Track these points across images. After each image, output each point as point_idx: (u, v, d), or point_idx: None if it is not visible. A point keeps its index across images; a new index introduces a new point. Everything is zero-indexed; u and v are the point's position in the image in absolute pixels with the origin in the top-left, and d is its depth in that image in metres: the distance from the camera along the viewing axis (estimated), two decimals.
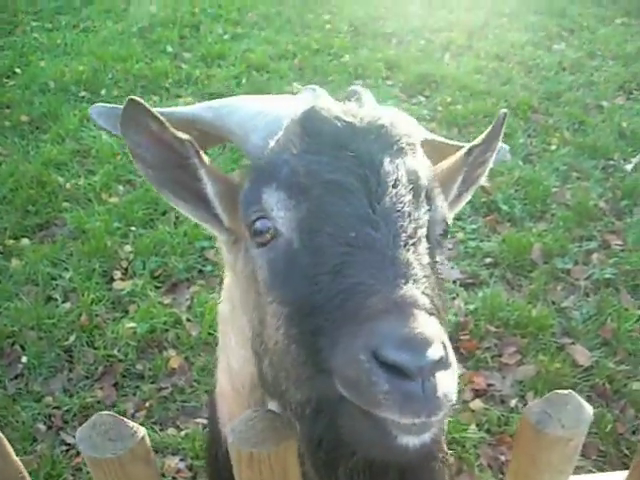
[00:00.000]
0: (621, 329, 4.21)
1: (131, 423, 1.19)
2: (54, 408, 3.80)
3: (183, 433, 3.62)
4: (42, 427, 3.70)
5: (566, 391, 1.25)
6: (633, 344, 4.15)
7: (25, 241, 4.99)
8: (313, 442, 1.15)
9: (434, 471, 1.24)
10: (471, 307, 4.39)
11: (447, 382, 0.95)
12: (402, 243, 1.09)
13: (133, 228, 5.07)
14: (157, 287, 4.56)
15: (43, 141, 6.20)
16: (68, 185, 5.57)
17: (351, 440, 1.06)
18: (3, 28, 8.68)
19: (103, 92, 7.01)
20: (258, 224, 1.23)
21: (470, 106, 6.90)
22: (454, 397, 0.97)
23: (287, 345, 1.15)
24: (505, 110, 1.56)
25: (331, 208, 1.13)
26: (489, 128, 1.59)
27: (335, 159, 1.17)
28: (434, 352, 0.92)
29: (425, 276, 1.08)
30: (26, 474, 1.35)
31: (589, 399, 3.82)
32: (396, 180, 1.17)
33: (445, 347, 0.96)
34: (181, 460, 3.51)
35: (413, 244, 1.11)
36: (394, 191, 1.15)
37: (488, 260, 4.85)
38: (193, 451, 3.50)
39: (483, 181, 1.68)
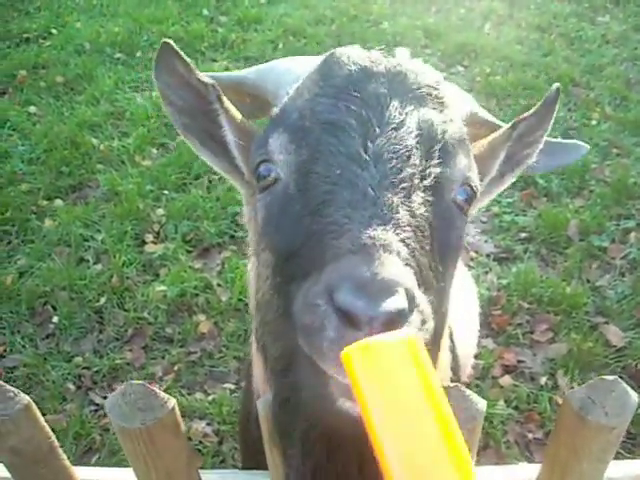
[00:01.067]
0: None
1: (161, 394, 1.17)
2: (84, 368, 3.84)
3: (210, 398, 3.63)
4: (72, 387, 3.74)
5: (612, 377, 1.20)
6: None
7: (58, 202, 5.02)
8: (276, 401, 1.08)
9: None
10: (504, 282, 4.32)
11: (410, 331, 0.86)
12: (390, 185, 1.01)
13: (166, 192, 5.06)
14: (188, 251, 4.56)
15: (78, 102, 6.20)
16: (102, 147, 5.57)
17: (302, 400, 0.99)
18: None
19: (138, 54, 6.97)
20: (261, 168, 1.20)
21: (509, 77, 6.74)
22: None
23: (271, 296, 1.10)
24: (558, 84, 1.47)
25: (325, 148, 1.08)
26: (539, 103, 1.50)
27: (339, 100, 1.13)
28: (393, 302, 0.81)
29: (411, 225, 0.98)
30: (55, 440, 1.34)
31: (620, 380, 3.76)
32: (400, 123, 1.10)
33: (411, 300, 0.85)
34: (208, 424, 3.52)
35: (405, 189, 1.02)
36: (394, 133, 1.08)
37: (523, 235, 4.77)
38: (220, 416, 3.51)
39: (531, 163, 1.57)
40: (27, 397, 1.23)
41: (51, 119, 5.91)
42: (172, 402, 1.18)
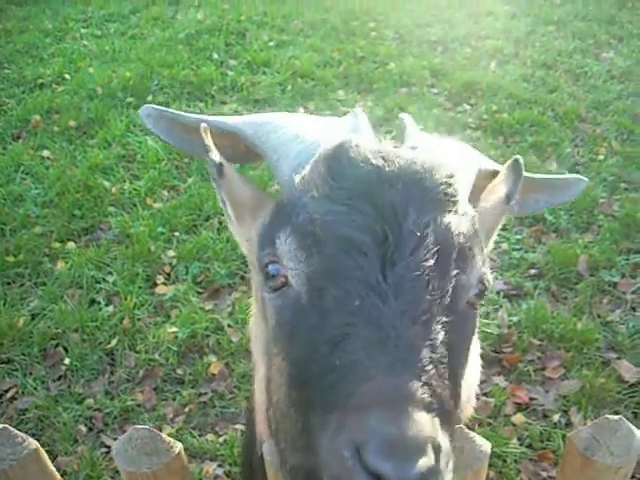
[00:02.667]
0: None
1: (167, 438, 1.19)
2: (95, 410, 3.84)
3: (222, 439, 3.62)
4: (83, 429, 3.74)
5: (616, 417, 1.20)
6: None
7: (71, 244, 5.07)
8: None
9: None
10: (514, 319, 4.31)
11: None
12: (411, 321, 0.96)
13: (177, 233, 5.11)
14: (199, 292, 4.59)
15: (90, 146, 6.30)
16: (113, 190, 5.65)
17: None
18: (55, 35, 8.87)
19: (149, 98, 7.08)
20: (271, 268, 1.13)
21: (516, 114, 6.80)
22: None
23: (287, 407, 1.06)
24: (517, 157, 1.40)
25: (340, 269, 1.01)
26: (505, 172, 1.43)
27: (353, 211, 1.04)
28: (423, 462, 0.80)
29: (434, 360, 0.95)
30: None
31: (635, 416, 3.73)
32: (419, 241, 1.02)
33: (439, 453, 0.84)
34: (219, 466, 3.51)
35: (425, 321, 0.97)
36: (413, 256, 1.01)
37: (533, 271, 4.77)
38: (231, 457, 3.50)
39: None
40: (36, 442, 1.25)
41: (64, 163, 6.00)
42: (178, 446, 1.19)
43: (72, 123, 6.65)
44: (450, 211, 1.10)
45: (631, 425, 1.20)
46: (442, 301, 1.02)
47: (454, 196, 1.12)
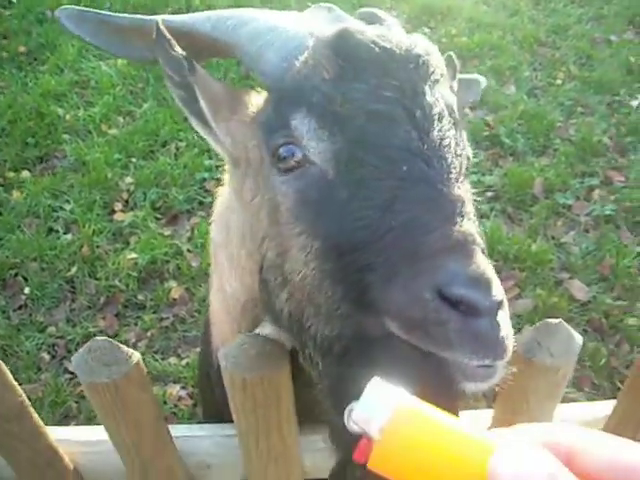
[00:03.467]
0: (619, 265, 4.23)
1: (125, 348, 1.21)
2: (57, 338, 3.86)
3: (184, 362, 3.68)
4: (46, 356, 3.77)
5: (556, 320, 1.26)
6: (631, 280, 4.17)
7: (25, 173, 4.99)
8: (334, 377, 1.11)
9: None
10: None
11: (507, 324, 0.93)
12: (453, 179, 1.04)
13: (133, 159, 5.04)
14: (158, 218, 4.57)
15: (41, 72, 6.11)
16: (67, 117, 5.52)
17: (400, 379, 1.01)
18: None
19: None
20: (283, 150, 1.16)
21: (475, 38, 6.75)
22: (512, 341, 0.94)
23: (320, 280, 1.10)
24: (451, 53, 1.47)
25: (377, 140, 1.06)
26: None
27: (377, 87, 1.09)
28: (498, 292, 0.90)
29: (474, 213, 1.06)
30: (25, 398, 1.38)
31: (585, 333, 3.88)
32: (440, 113, 1.11)
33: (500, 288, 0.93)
34: (182, 388, 3.58)
35: (462, 180, 1.07)
36: (440, 125, 1.09)
37: (489, 194, 4.84)
38: (194, 379, 3.56)
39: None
40: None
41: (15, 90, 5.82)
42: (136, 356, 1.22)
43: (22, 49, 6.42)
44: (447, 89, 1.20)
45: (570, 328, 1.26)
46: (463, 165, 1.12)
47: (445, 75, 1.22)
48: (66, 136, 5.33)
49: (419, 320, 0.92)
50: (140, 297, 4.05)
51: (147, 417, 1.34)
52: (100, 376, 1.19)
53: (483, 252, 0.97)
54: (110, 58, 6.27)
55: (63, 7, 1.45)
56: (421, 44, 1.20)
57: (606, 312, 3.97)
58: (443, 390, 0.96)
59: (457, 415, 0.99)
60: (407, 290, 0.94)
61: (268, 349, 1.22)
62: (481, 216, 4.64)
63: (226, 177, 1.55)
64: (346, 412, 0.69)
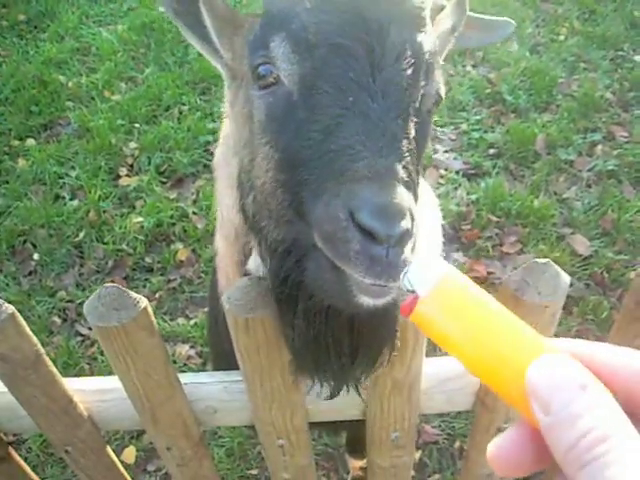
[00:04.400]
0: (621, 219, 4.26)
1: (134, 294, 1.27)
2: (68, 302, 3.94)
3: (192, 322, 3.76)
4: (57, 320, 3.86)
5: (544, 260, 1.31)
6: (633, 234, 4.21)
7: (30, 141, 5.04)
8: (279, 277, 1.21)
9: (384, 326, 1.27)
10: (473, 197, 4.43)
11: (408, 251, 1.01)
12: (394, 116, 1.13)
13: (137, 125, 5.08)
14: (163, 182, 4.63)
15: (42, 40, 6.13)
16: (70, 84, 5.55)
17: (314, 285, 1.14)
18: None
19: None
20: (262, 69, 1.25)
21: None
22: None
23: (274, 188, 1.22)
24: None
25: (334, 70, 1.15)
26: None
27: (344, 22, 1.17)
28: (403, 224, 0.98)
29: (409, 150, 1.13)
30: (40, 348, 1.44)
31: (587, 287, 3.93)
32: (399, 53, 1.17)
33: (412, 220, 1.01)
34: (191, 347, 3.66)
35: (404, 118, 1.15)
36: (396, 65, 1.16)
37: (491, 151, 4.86)
38: (202, 339, 3.64)
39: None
40: (12, 307, 1.33)
41: (16, 59, 5.86)
42: (144, 302, 1.28)
43: (22, 17, 6.43)
44: (422, 31, 1.24)
45: (558, 268, 1.30)
46: (414, 105, 1.19)
47: (424, 19, 1.26)
48: (69, 103, 5.37)
49: (331, 234, 1.03)
50: (147, 260, 4.12)
51: (156, 361, 1.41)
52: (110, 320, 1.25)
53: (406, 186, 1.06)
54: (110, 24, 6.27)
55: None
56: None
57: (608, 266, 4.02)
58: (343, 298, 1.10)
59: None
60: (327, 207, 1.04)
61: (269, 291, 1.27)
62: (483, 173, 4.67)
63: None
64: (402, 273, 0.79)
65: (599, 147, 4.91)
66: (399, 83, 1.16)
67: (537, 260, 1.30)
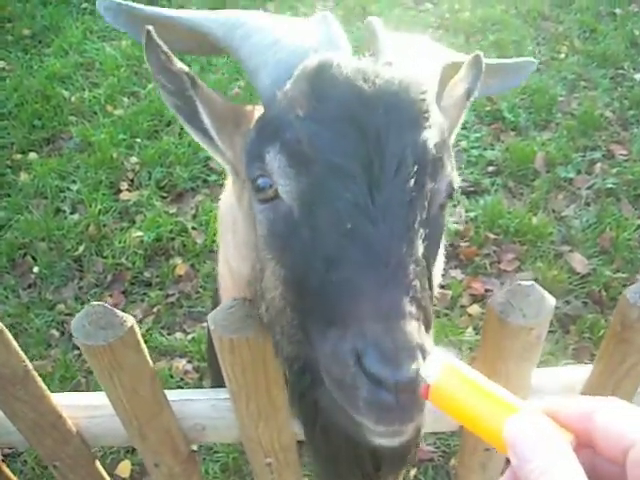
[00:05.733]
0: (619, 238, 4.26)
1: (120, 313, 1.28)
2: (66, 315, 3.95)
3: (190, 337, 3.77)
4: (55, 333, 3.86)
5: (529, 282, 1.32)
6: (631, 252, 4.20)
7: (33, 155, 5.07)
8: (296, 392, 1.20)
9: (405, 456, 1.27)
10: (472, 214, 4.44)
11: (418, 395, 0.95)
12: (398, 240, 1.04)
13: (138, 139, 5.11)
14: (163, 197, 4.65)
15: (46, 55, 6.18)
16: (73, 98, 5.59)
17: (329, 414, 1.11)
18: None
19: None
20: (260, 182, 1.17)
21: (478, 13, 6.74)
22: (426, 406, 0.98)
23: (283, 306, 1.16)
24: (479, 53, 1.44)
25: (330, 192, 1.07)
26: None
27: (339, 135, 1.09)
28: (414, 366, 0.93)
29: (417, 273, 1.05)
30: (29, 363, 1.45)
31: (585, 305, 3.93)
32: (400, 164, 1.08)
33: (425, 355, 0.95)
34: (188, 362, 3.66)
35: (410, 238, 1.06)
36: (396, 179, 1.07)
37: (491, 168, 4.87)
38: (199, 353, 3.64)
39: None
40: (0, 323, 1.34)
41: (20, 73, 5.90)
42: (131, 320, 1.29)
43: (26, 32, 6.49)
44: (425, 127, 1.14)
45: (542, 290, 1.31)
46: (422, 215, 1.09)
47: (427, 111, 1.16)
48: (72, 117, 5.41)
49: (338, 379, 0.99)
50: (146, 274, 4.13)
51: (142, 379, 1.42)
52: (97, 339, 1.27)
53: (415, 318, 0.99)
54: (114, 39, 6.32)
55: None
56: (403, 77, 1.17)
57: (606, 284, 4.01)
58: (357, 436, 1.06)
59: None
60: (334, 348, 0.99)
61: (254, 312, 1.28)
62: (482, 191, 4.69)
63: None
64: (419, 370, 0.85)
65: (598, 165, 4.92)
66: (401, 200, 1.07)
67: (521, 282, 1.31)
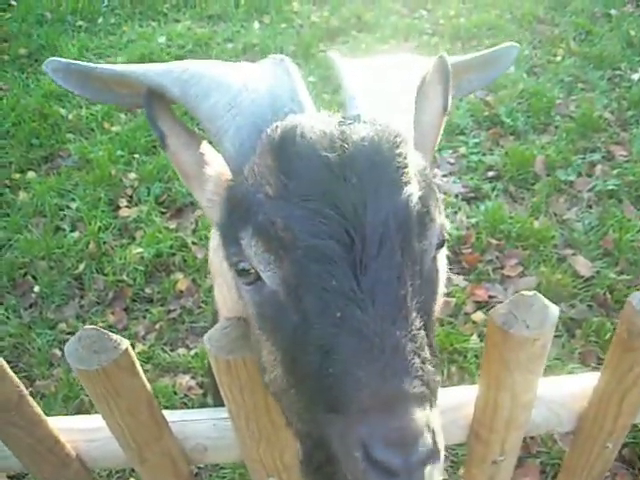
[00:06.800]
0: (623, 239, 4.23)
1: (114, 336, 1.26)
2: (68, 334, 3.92)
3: (193, 352, 3.74)
4: (58, 352, 3.83)
5: (531, 292, 1.29)
6: (634, 254, 4.17)
7: (31, 174, 5.07)
8: (312, 465, 1.20)
9: None
10: (473, 220, 4.41)
11: (435, 471, 0.96)
12: (391, 323, 1.00)
13: (136, 155, 5.11)
14: (162, 212, 4.63)
15: (43, 74, 6.16)
16: (70, 116, 5.60)
17: None
18: None
19: (100, 20, 6.93)
20: (240, 266, 1.12)
21: (473, 19, 6.75)
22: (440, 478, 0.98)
23: (286, 386, 1.13)
24: (442, 54, 1.37)
25: (313, 279, 1.02)
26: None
27: (313, 215, 1.02)
28: (421, 450, 0.92)
29: (416, 350, 1.01)
30: (24, 389, 1.43)
31: (590, 309, 3.89)
32: (383, 236, 1.02)
33: (433, 434, 0.95)
34: (192, 378, 3.63)
35: (404, 316, 1.02)
36: (381, 255, 1.01)
37: (491, 174, 4.85)
38: (203, 369, 3.61)
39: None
40: None
41: (17, 92, 5.91)
42: (125, 343, 1.26)
43: (22, 51, 6.51)
44: (405, 184, 1.07)
45: (545, 300, 1.28)
46: (414, 283, 1.05)
47: (405, 165, 1.09)
48: (70, 135, 5.41)
49: (352, 471, 0.97)
50: (147, 290, 4.11)
51: (140, 402, 1.39)
52: (91, 363, 1.24)
53: (420, 399, 0.96)
54: (110, 56, 6.34)
55: (49, 60, 1.42)
56: (373, 137, 1.09)
57: (610, 287, 3.98)
58: None
59: None
60: (342, 441, 0.98)
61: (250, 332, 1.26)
62: (483, 196, 4.66)
63: None
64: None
65: (599, 167, 4.90)
66: (389, 278, 1.02)
67: (524, 293, 1.28)
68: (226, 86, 1.23)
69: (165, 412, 1.53)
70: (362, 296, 1.00)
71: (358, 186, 1.04)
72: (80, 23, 6.89)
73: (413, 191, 1.07)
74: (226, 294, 1.46)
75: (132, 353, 1.29)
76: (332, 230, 1.01)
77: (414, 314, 1.03)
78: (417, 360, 1.00)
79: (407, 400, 0.95)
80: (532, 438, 3.20)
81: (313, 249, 1.01)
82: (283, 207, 1.04)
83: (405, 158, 1.09)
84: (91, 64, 1.42)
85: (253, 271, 1.10)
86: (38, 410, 1.47)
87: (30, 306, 4.14)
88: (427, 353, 1.03)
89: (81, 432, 1.61)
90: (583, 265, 4.15)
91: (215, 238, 1.49)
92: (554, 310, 1.28)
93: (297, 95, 1.21)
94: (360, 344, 0.98)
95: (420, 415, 0.94)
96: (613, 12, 7.00)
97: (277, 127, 1.11)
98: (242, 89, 1.22)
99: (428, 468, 0.93)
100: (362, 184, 1.04)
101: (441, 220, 1.14)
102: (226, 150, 1.19)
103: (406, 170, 1.08)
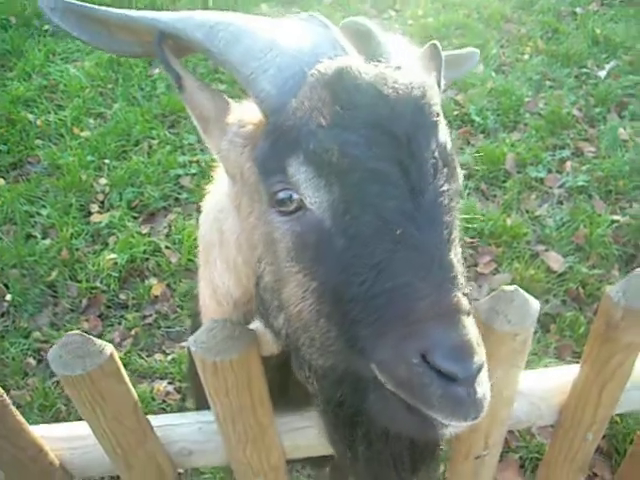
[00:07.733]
0: (594, 234, 4.30)
1: (98, 341, 1.25)
2: (42, 342, 3.88)
3: (169, 358, 3.72)
4: (32, 361, 3.79)
5: (512, 287, 1.31)
6: (605, 248, 4.25)
7: (0, 181, 4.98)
8: (332, 402, 1.19)
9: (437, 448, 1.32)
10: None
11: (486, 384, 1.02)
12: (445, 243, 1.07)
13: (107, 161, 5.06)
14: (134, 217, 4.60)
15: (9, 79, 6.10)
16: (38, 122, 5.52)
17: (380, 416, 1.12)
18: None
19: None
20: (281, 194, 1.14)
21: (442, 18, 6.80)
22: (489, 395, 1.03)
23: (315, 318, 1.14)
24: (435, 42, 1.39)
25: (373, 200, 1.06)
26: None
27: (371, 142, 1.07)
28: (479, 360, 0.99)
29: (463, 274, 1.10)
30: (6, 398, 1.41)
31: (563, 303, 3.95)
32: (434, 168, 1.10)
33: (481, 347, 1.02)
34: (169, 383, 3.61)
35: (452, 238, 1.10)
36: (433, 184, 1.09)
37: (462, 172, 4.87)
38: (180, 374, 3.60)
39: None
40: None
41: None
42: (109, 348, 1.26)
43: None
44: (442, 130, 1.16)
45: (526, 294, 1.30)
46: (454, 215, 1.13)
47: (439, 113, 1.17)
48: (38, 141, 5.34)
49: (405, 379, 1.01)
50: (122, 296, 4.08)
51: (124, 407, 1.38)
52: (75, 369, 1.23)
53: (469, 314, 1.03)
54: (77, 60, 6.26)
55: None
56: (418, 81, 1.16)
57: (583, 281, 4.05)
58: (424, 433, 1.09)
59: None
60: (396, 351, 1.01)
61: (237, 333, 1.26)
62: None
63: (216, 175, 1.56)
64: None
65: (568, 163, 4.98)
66: (441, 203, 1.09)
67: (505, 288, 1.30)
68: (260, 31, 1.24)
69: (150, 417, 1.52)
70: (421, 217, 1.06)
71: (411, 121, 1.10)
72: (46, 27, 6.79)
73: (448, 138, 1.18)
74: (218, 270, 1.49)
75: (117, 358, 1.28)
76: (389, 155, 1.07)
77: (457, 239, 1.12)
78: (464, 279, 1.08)
79: (462, 313, 1.02)
80: (511, 432, 3.23)
81: (372, 172, 1.07)
82: (340, 134, 1.08)
83: (439, 107, 1.18)
84: (93, 5, 1.36)
85: (296, 198, 1.13)
86: (21, 418, 1.45)
87: (2, 315, 4.08)
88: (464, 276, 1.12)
89: (64, 440, 1.60)
90: (555, 261, 4.21)
91: (216, 205, 1.51)
92: (534, 304, 1.30)
93: (339, 42, 1.23)
94: (420, 259, 1.05)
95: (474, 330, 1.02)
96: (579, 10, 7.11)
97: (329, 65, 1.14)
98: (277, 35, 1.24)
99: (479, 376, 1.00)
100: (414, 120, 1.11)
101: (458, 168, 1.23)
102: (262, 89, 1.19)
103: (441, 119, 1.17)
